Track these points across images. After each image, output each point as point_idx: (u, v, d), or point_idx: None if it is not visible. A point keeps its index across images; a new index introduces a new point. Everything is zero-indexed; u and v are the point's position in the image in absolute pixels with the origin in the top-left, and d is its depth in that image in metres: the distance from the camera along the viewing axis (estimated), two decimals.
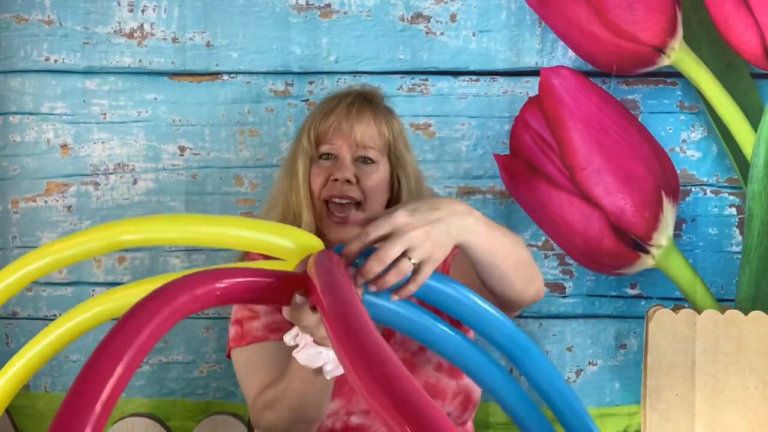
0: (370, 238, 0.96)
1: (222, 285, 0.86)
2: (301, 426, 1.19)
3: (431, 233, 0.96)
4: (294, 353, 1.05)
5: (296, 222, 1.35)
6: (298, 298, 0.94)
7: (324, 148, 1.36)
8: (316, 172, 1.35)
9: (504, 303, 1.22)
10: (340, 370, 1.01)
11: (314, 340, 1.02)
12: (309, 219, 1.35)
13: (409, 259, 0.95)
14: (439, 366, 1.30)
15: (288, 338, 1.05)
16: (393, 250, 0.94)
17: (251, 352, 1.29)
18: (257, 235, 1.06)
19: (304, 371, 1.08)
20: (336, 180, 1.33)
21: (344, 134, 1.34)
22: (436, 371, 1.30)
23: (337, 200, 1.33)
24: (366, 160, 1.35)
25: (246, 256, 1.39)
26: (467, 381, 1.31)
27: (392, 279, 0.96)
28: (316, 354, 1.02)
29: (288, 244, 1.04)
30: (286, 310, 0.99)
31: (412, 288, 0.97)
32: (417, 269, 0.96)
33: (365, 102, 1.39)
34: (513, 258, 1.09)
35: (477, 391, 1.33)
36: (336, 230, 1.34)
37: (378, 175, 1.36)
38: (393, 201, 1.40)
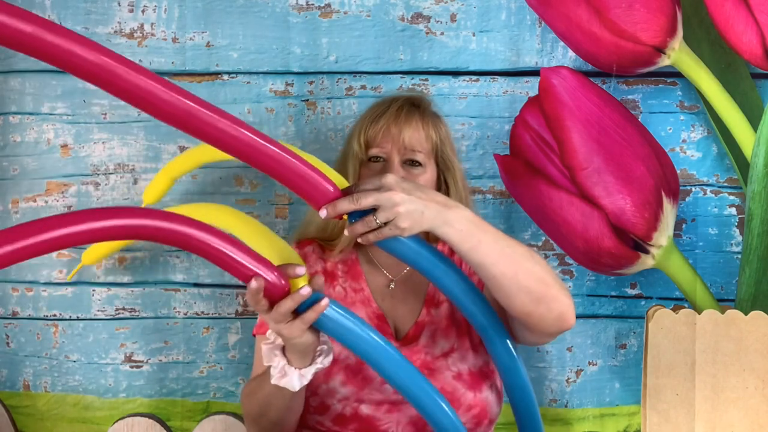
0: (360, 196, 1.10)
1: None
2: (265, 423, 1.27)
3: (405, 204, 1.10)
4: (263, 343, 1.18)
5: (340, 224, 1.39)
6: (282, 305, 1.07)
7: (374, 152, 1.39)
8: (366, 174, 1.39)
9: (517, 324, 1.25)
10: (284, 381, 1.15)
11: (284, 348, 1.16)
12: None
13: (375, 219, 1.10)
14: (458, 375, 1.34)
15: (269, 333, 1.19)
16: (366, 200, 1.10)
17: (261, 341, 1.35)
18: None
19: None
20: None
21: (393, 137, 1.38)
22: (454, 380, 1.33)
23: None
24: (414, 164, 1.39)
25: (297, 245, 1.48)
26: (486, 395, 1.33)
27: (359, 228, 1.12)
28: (271, 354, 1.16)
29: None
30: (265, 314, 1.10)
31: (371, 237, 1.12)
32: (382, 227, 1.11)
33: (413, 107, 1.43)
34: (511, 267, 1.16)
35: (495, 409, 1.37)
36: None
37: (425, 178, 1.39)
38: None
